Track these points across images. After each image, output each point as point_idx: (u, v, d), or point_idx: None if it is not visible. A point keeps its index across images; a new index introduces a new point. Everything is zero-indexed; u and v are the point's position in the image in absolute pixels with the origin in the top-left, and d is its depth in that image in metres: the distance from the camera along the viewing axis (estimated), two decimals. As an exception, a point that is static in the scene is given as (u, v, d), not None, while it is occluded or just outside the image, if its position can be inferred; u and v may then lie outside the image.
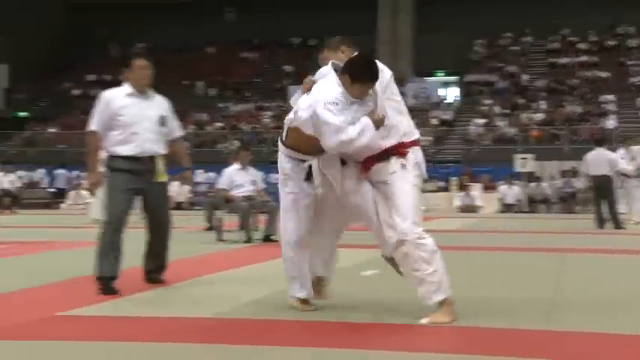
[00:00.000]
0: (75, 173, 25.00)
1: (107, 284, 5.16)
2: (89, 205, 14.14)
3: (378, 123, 4.14)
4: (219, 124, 31.77)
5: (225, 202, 10.33)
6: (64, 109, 33.51)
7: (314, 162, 4.43)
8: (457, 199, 21.97)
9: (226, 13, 38.70)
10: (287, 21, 36.60)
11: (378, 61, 4.34)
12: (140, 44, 38.34)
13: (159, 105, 5.68)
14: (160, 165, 5.55)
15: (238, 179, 10.29)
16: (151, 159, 5.50)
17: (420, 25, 35.40)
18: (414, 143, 4.37)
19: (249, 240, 9.68)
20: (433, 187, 23.62)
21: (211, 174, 25.47)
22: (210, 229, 11.33)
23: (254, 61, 37.64)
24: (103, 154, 5.62)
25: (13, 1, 34.21)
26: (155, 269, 5.63)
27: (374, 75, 4.23)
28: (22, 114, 34.22)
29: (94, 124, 5.50)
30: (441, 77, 36.00)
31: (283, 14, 36.61)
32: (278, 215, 9.98)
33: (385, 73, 4.40)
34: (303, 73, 6.52)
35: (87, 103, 38.69)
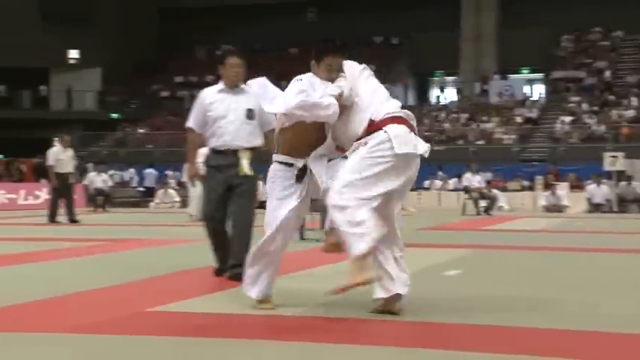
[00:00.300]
0: (163, 172, 25.71)
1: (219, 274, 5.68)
2: (190, 200, 14.40)
3: (342, 102, 4.17)
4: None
5: (308, 200, 10.42)
6: (153, 111, 34.51)
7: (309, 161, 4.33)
8: (542, 198, 21.45)
9: (308, 13, 38.99)
10: (369, 20, 36.56)
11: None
12: (225, 46, 39.11)
13: (248, 99, 5.65)
14: (244, 159, 5.56)
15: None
16: (235, 152, 5.56)
17: (503, 21, 34.74)
18: (383, 122, 4.16)
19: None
20: (517, 186, 23.16)
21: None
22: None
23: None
24: (204, 150, 5.87)
25: (107, 7, 35.46)
26: (232, 266, 5.59)
27: (335, 47, 4.39)
28: (114, 115, 35.43)
29: (190, 121, 5.73)
30: (525, 74, 35.24)
31: (365, 13, 36.60)
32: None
33: (355, 65, 4.41)
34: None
35: (174, 104, 39.93)
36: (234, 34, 37.77)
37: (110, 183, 22.48)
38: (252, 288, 4.47)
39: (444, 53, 34.99)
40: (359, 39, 37.48)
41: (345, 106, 4.24)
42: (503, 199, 20.56)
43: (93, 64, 35.72)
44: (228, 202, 5.61)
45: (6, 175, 23.08)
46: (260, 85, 4.56)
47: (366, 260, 4.05)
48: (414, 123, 4.38)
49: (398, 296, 4.28)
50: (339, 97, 4.21)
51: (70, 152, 14.08)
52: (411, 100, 36.26)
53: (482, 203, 18.43)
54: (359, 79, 4.33)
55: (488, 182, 20.55)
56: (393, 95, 4.58)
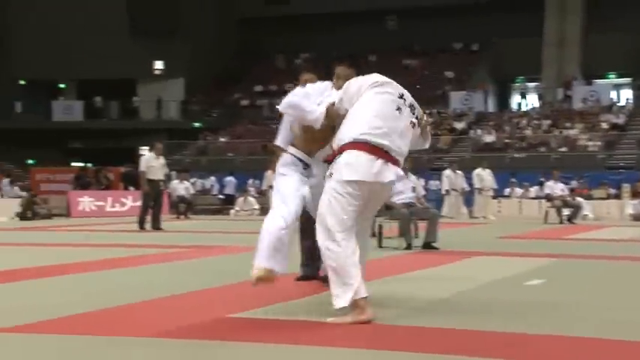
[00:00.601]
0: (243, 180, 26.12)
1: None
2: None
3: (330, 113, 4.58)
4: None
5: (386, 208, 10.40)
6: (234, 119, 35.15)
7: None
8: (630, 206, 20.73)
9: (388, 20, 38.97)
10: (449, 26, 36.27)
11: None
12: (304, 54, 39.48)
13: None
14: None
15: (399, 186, 10.31)
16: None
17: (589, 25, 33.86)
18: (343, 148, 4.40)
19: (409, 247, 9.69)
20: (603, 193, 22.48)
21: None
22: (370, 235, 11.44)
23: (415, 67, 37.59)
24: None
25: (191, 19, 36.38)
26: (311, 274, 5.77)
27: (341, 59, 5.11)
28: (196, 124, 36.26)
29: (278, 140, 5.86)
30: (612, 79, 34.22)
31: (445, 19, 36.33)
32: (439, 222, 10.00)
33: (365, 79, 4.65)
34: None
35: (254, 113, 40.53)
36: (313, 43, 38.12)
37: (192, 191, 22.99)
38: (268, 262, 4.68)
39: (525, 58, 34.36)
40: (438, 45, 37.24)
41: (340, 115, 4.59)
42: (587, 208, 20.00)
43: (176, 74, 36.69)
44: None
45: (94, 183, 23.93)
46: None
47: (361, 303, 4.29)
48: (399, 149, 4.48)
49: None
50: (330, 107, 4.61)
51: (161, 160, 14.42)
52: (491, 107, 35.72)
53: (566, 212, 17.97)
54: (362, 93, 4.50)
55: (572, 190, 20.02)
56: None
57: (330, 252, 4.32)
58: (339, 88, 4.75)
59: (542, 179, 20.53)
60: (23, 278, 6.50)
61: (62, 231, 14.51)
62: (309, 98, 4.79)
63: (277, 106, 4.91)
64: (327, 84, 5.03)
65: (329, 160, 4.50)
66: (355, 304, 4.25)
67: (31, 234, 13.57)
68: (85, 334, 4.01)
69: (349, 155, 4.34)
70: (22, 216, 19.49)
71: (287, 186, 4.85)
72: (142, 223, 13.93)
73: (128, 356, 3.59)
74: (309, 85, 5.05)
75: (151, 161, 14.08)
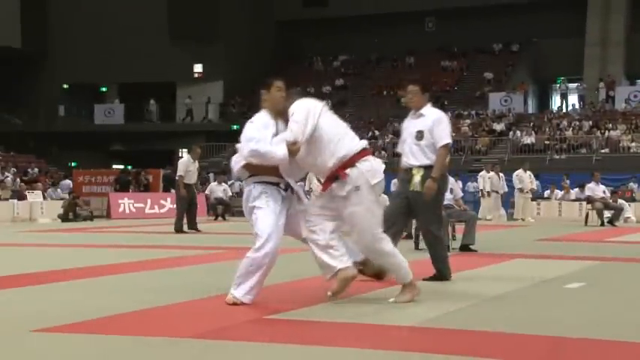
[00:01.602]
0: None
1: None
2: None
3: (292, 150, 4.86)
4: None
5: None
6: (272, 122, 35.35)
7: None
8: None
9: (426, 22, 38.79)
10: (488, 27, 35.97)
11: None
12: (342, 57, 39.52)
13: (422, 121, 6.25)
14: (415, 176, 6.12)
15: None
16: (410, 170, 6.19)
17: (633, 24, 33.27)
18: (353, 159, 4.96)
19: (446, 248, 9.61)
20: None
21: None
22: (407, 237, 11.39)
23: (453, 69, 37.36)
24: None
25: (230, 22, 36.67)
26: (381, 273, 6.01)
27: (275, 75, 5.63)
28: (235, 127, 36.52)
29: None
30: (656, 80, 33.61)
31: (484, 20, 36.04)
32: (476, 224, 9.91)
33: (316, 103, 5.20)
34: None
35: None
36: (351, 45, 38.14)
37: (230, 193, 23.15)
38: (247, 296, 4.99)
39: (566, 59, 33.92)
40: (477, 46, 36.95)
41: (309, 141, 4.94)
42: (630, 210, 19.63)
43: (215, 77, 37.01)
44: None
45: (134, 185, 24.24)
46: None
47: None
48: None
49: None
50: (291, 145, 4.88)
51: (197, 164, 14.56)
52: (531, 108, 35.32)
53: (607, 214, 17.67)
54: (321, 115, 5.06)
55: (614, 192, 19.68)
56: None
57: (384, 248, 5.08)
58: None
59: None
60: (64, 279, 6.62)
61: (103, 232, 14.74)
62: (266, 138, 4.99)
63: (245, 155, 5.06)
64: (266, 117, 5.16)
65: (331, 178, 4.95)
66: (410, 283, 5.14)
67: (72, 235, 13.81)
68: (124, 334, 4.07)
69: (366, 163, 4.99)
70: (64, 218, 19.84)
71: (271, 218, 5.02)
72: (179, 227, 14.03)
73: (166, 357, 3.63)
74: (258, 118, 5.18)
75: (189, 165, 14.19)
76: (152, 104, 37.11)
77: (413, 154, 6.23)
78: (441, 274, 6.29)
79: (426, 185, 6.07)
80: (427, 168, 6.15)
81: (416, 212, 6.31)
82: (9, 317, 4.67)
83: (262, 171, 5.05)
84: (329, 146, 4.97)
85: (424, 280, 6.27)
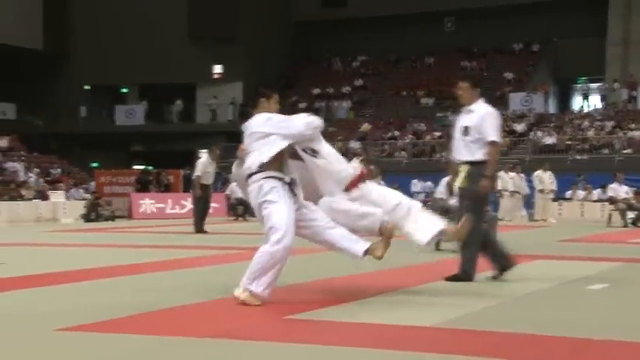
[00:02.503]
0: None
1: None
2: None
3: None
4: (437, 134, 31.76)
5: (443, 211, 10.32)
6: (291, 122, 35.37)
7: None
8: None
9: (445, 22, 38.64)
10: (508, 27, 35.75)
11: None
12: (361, 57, 39.47)
13: (470, 117, 6.27)
14: (462, 172, 6.16)
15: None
16: (459, 165, 6.24)
17: (656, 24, 32.93)
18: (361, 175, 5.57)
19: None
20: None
21: (428, 183, 25.57)
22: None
23: (473, 69, 37.20)
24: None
25: (249, 23, 36.79)
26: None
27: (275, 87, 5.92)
28: (254, 128, 36.60)
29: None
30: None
31: (504, 20, 35.82)
32: (496, 224, 9.85)
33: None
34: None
35: (311, 116, 39.54)
36: (370, 45, 38.08)
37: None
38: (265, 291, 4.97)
39: (588, 58, 33.62)
40: (497, 46, 36.74)
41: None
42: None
43: (235, 78, 37.12)
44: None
45: (154, 186, 24.38)
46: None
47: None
48: None
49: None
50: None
51: (214, 165, 14.60)
52: (552, 108, 35.05)
53: (630, 215, 17.50)
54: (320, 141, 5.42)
55: (637, 193, 19.49)
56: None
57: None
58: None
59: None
60: (87, 278, 6.68)
61: (124, 232, 14.84)
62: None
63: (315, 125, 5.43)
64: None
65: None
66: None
67: (94, 235, 13.92)
68: (144, 333, 4.10)
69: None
70: (87, 218, 20.00)
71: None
72: (199, 226, 14.07)
73: (186, 357, 3.65)
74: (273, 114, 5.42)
75: (207, 166, 14.24)
76: (178, 104, 37.25)
77: (459, 150, 6.27)
78: (467, 274, 6.24)
79: (481, 184, 6.08)
80: (472, 164, 6.14)
81: (460, 208, 6.31)
82: (32, 316, 4.72)
83: (268, 167, 5.06)
84: (337, 166, 5.52)
85: (446, 279, 6.24)
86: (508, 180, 19.82)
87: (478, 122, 6.17)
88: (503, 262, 6.33)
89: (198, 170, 14.20)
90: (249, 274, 4.97)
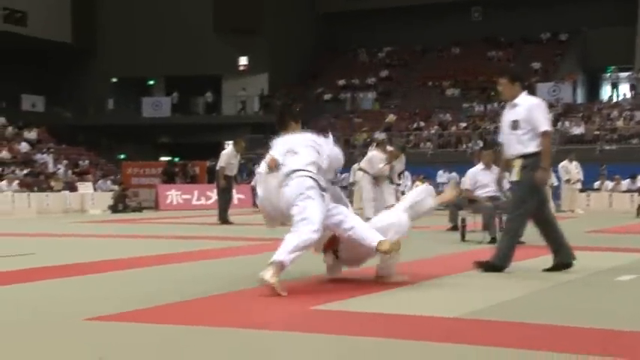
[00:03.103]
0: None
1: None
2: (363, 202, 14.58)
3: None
4: (462, 125, 31.57)
5: (469, 202, 10.28)
6: (317, 114, 35.34)
7: None
8: None
9: (472, 12, 38.33)
10: (535, 16, 35.40)
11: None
12: (387, 48, 39.31)
13: (516, 111, 6.26)
14: (516, 166, 6.18)
15: (482, 179, 10.17)
16: (511, 161, 6.27)
17: (685, 12, 32.40)
18: None
19: (493, 240, 9.52)
20: None
21: (454, 174, 25.44)
22: (453, 228, 11.33)
23: (500, 59, 36.89)
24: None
25: (274, 15, 36.81)
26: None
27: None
28: (280, 119, 36.62)
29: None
30: None
31: (532, 9, 35.48)
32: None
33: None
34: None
35: (337, 107, 40.62)
36: (396, 36, 37.91)
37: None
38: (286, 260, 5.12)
39: (617, 48, 33.19)
40: (524, 36, 36.38)
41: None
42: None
43: (260, 70, 37.19)
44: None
45: (181, 177, 24.55)
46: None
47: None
48: None
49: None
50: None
51: (238, 157, 14.64)
52: (580, 98, 34.66)
53: (660, 205, 17.28)
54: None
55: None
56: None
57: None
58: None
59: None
60: (114, 269, 6.74)
61: (151, 223, 14.96)
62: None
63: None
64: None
65: None
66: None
67: (122, 226, 14.05)
68: (171, 323, 4.13)
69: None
70: (114, 209, 20.19)
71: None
72: (224, 217, 14.12)
73: (213, 346, 3.67)
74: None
75: (231, 158, 14.28)
76: (208, 96, 37.40)
77: (510, 145, 6.27)
78: (500, 263, 6.19)
79: (536, 175, 6.09)
80: (525, 157, 6.14)
81: (512, 197, 6.36)
82: (61, 306, 4.78)
83: (313, 169, 5.42)
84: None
85: (477, 265, 6.20)
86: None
87: (526, 115, 6.15)
88: (564, 256, 6.33)
89: (222, 161, 14.24)
90: (284, 246, 5.16)
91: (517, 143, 6.20)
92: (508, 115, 6.35)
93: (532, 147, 6.15)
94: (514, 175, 6.21)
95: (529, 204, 6.21)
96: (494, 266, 6.18)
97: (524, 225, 6.35)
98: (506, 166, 6.50)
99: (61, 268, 6.76)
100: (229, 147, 14.62)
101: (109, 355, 3.42)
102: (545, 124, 6.16)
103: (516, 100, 6.28)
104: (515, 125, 6.21)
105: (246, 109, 36.92)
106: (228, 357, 3.43)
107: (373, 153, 12.28)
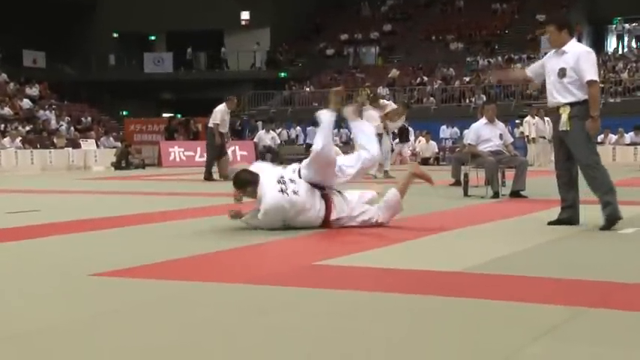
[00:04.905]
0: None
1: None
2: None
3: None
4: (466, 79, 31.34)
5: (472, 157, 10.25)
6: (320, 69, 35.09)
7: None
8: None
9: (476, -37, 37.75)
10: (540, -33, 34.86)
11: None
12: (390, 2, 38.83)
13: (564, 58, 6.14)
14: (562, 115, 6.08)
15: (485, 134, 10.12)
16: (557, 109, 6.14)
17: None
18: None
19: (496, 195, 9.54)
20: None
21: (456, 129, 25.35)
22: (456, 183, 11.33)
23: (504, 12, 36.43)
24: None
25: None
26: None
27: None
28: (282, 74, 36.42)
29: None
30: None
31: (537, -40, 34.92)
32: (526, 170, 9.77)
33: None
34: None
35: (340, 62, 40.31)
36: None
37: (278, 141, 23.22)
38: None
39: (623, -2, 32.75)
40: (530, -13, 35.90)
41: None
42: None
43: (262, 24, 36.82)
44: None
45: (183, 134, 24.51)
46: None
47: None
48: None
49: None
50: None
51: (229, 114, 14.66)
52: (586, 50, 34.29)
53: (664, 159, 17.22)
54: None
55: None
56: None
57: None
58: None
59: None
60: (118, 225, 6.78)
61: (155, 180, 14.99)
62: None
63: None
64: None
65: None
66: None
67: (125, 183, 14.09)
68: (178, 279, 4.16)
69: None
70: (117, 165, 20.23)
71: None
72: (209, 174, 14.10)
73: (219, 302, 3.71)
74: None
75: (224, 115, 14.28)
76: (223, 52, 37.00)
77: (558, 92, 6.14)
78: (614, 208, 6.08)
79: (588, 126, 6.03)
80: (573, 105, 6.06)
81: (572, 151, 6.18)
82: (66, 262, 4.82)
83: None
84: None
85: (601, 229, 6.00)
86: (531, 125, 19.46)
87: (575, 63, 6.05)
88: (573, 215, 6.32)
89: (216, 118, 14.17)
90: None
91: (564, 91, 6.11)
92: (556, 63, 6.21)
93: (580, 95, 6.06)
94: (563, 125, 6.11)
95: (594, 149, 6.21)
96: (614, 219, 6.02)
97: (603, 170, 6.19)
98: (550, 113, 6.37)
99: (64, 225, 6.79)
100: (222, 104, 14.54)
101: (117, 309, 3.45)
102: (592, 72, 6.07)
103: (565, 48, 6.17)
104: (562, 73, 6.11)
105: (242, 64, 36.65)
106: (236, 311, 3.46)
107: (369, 112, 12.23)
